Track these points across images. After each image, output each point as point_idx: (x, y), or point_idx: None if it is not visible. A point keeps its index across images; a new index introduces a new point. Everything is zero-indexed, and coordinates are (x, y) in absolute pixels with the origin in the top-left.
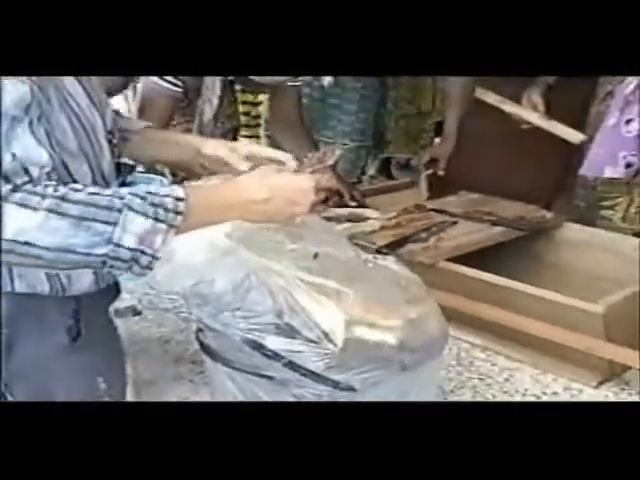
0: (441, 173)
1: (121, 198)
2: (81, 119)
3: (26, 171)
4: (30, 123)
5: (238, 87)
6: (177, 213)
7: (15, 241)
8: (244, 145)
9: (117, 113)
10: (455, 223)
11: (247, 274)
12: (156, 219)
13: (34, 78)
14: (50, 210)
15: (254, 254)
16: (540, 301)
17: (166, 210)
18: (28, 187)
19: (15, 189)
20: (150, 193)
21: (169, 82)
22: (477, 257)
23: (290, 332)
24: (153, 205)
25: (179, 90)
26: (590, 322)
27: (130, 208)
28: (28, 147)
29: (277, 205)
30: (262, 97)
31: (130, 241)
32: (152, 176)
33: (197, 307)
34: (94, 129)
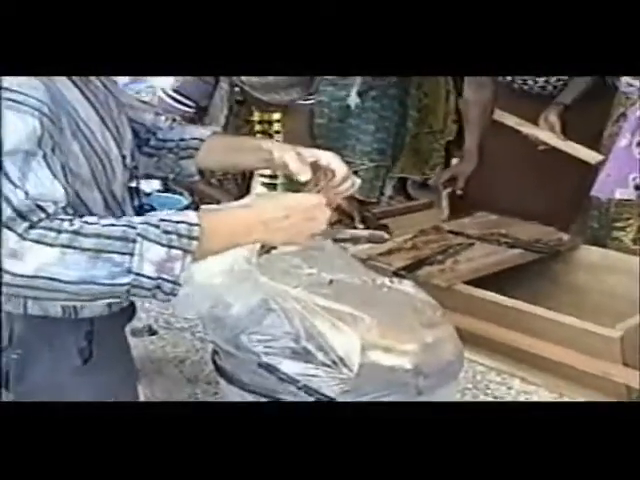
0: (459, 192)
1: (134, 228)
2: (93, 145)
3: (41, 208)
4: (44, 156)
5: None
6: (191, 238)
7: (36, 277)
8: (310, 151)
9: (181, 124)
10: (472, 245)
11: (264, 298)
12: (170, 246)
13: (45, 109)
14: (66, 245)
15: (271, 278)
16: (556, 324)
17: (180, 236)
18: (44, 223)
19: (32, 226)
20: (163, 220)
21: (181, 102)
22: (493, 279)
23: (306, 356)
24: (167, 232)
25: (191, 110)
26: (607, 346)
27: (144, 237)
28: (44, 182)
29: (296, 221)
30: (277, 115)
31: (150, 270)
32: (171, 195)
33: (213, 330)
34: (107, 155)
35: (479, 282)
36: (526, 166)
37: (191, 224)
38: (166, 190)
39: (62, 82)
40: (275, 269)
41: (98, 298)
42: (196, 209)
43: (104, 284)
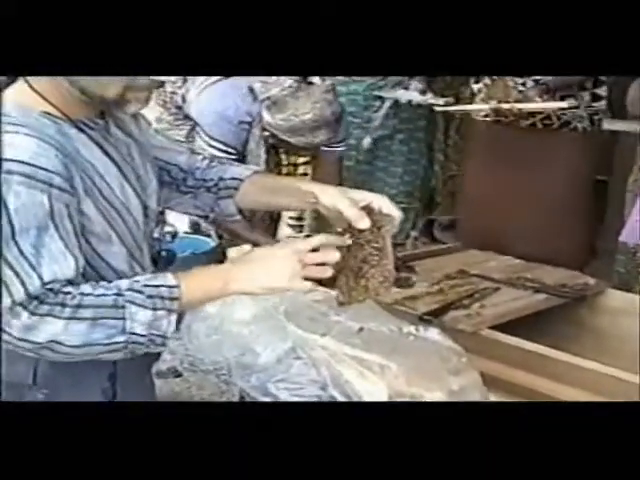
0: None
1: (123, 295)
2: (111, 201)
3: (51, 290)
4: (56, 228)
5: (281, 150)
6: (173, 299)
7: (48, 343)
8: (360, 194)
9: (221, 162)
10: (498, 289)
11: (292, 347)
12: (155, 308)
13: (55, 180)
14: (70, 317)
15: (299, 326)
16: (581, 370)
17: (162, 299)
18: (51, 299)
19: (42, 302)
20: (147, 286)
21: (223, 151)
22: (519, 324)
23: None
24: (150, 297)
25: (232, 157)
26: (632, 392)
27: (132, 303)
28: (57, 256)
29: (262, 270)
30: (303, 159)
31: (140, 329)
32: (198, 237)
33: (241, 377)
34: (127, 208)
35: (504, 327)
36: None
37: (171, 286)
38: (195, 231)
39: (81, 141)
40: (302, 317)
41: (101, 355)
42: (223, 251)
43: (103, 344)
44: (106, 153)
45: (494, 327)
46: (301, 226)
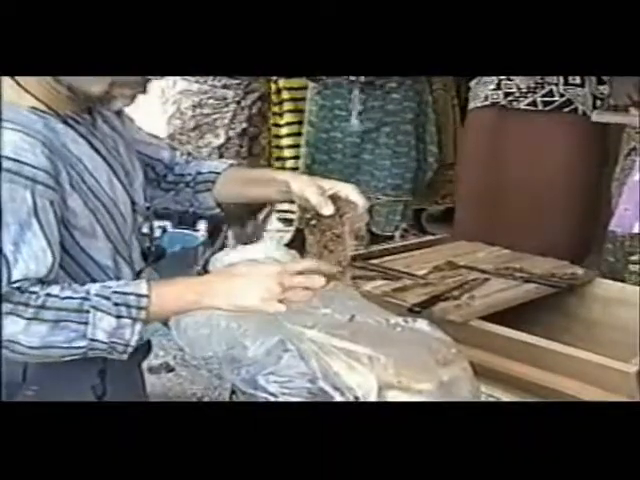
0: None
1: (89, 300)
2: (99, 196)
3: (19, 289)
4: (40, 224)
5: None
6: (140, 309)
7: (9, 341)
8: (328, 182)
9: (197, 158)
10: (487, 280)
11: (281, 339)
12: (120, 316)
13: (40, 176)
14: (32, 318)
15: (287, 319)
16: (572, 359)
17: (129, 307)
18: (16, 298)
19: (7, 300)
20: (116, 292)
21: None
22: (508, 314)
23: (322, 397)
24: (116, 305)
25: None
26: (623, 381)
27: (97, 309)
28: (37, 253)
29: (238, 287)
30: None
31: (102, 336)
32: (186, 232)
33: (231, 371)
34: (115, 203)
35: (494, 317)
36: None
37: (139, 295)
38: (182, 225)
39: (69, 136)
40: (291, 310)
41: (60, 358)
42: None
43: (62, 347)
44: (94, 148)
45: (484, 317)
46: (290, 220)
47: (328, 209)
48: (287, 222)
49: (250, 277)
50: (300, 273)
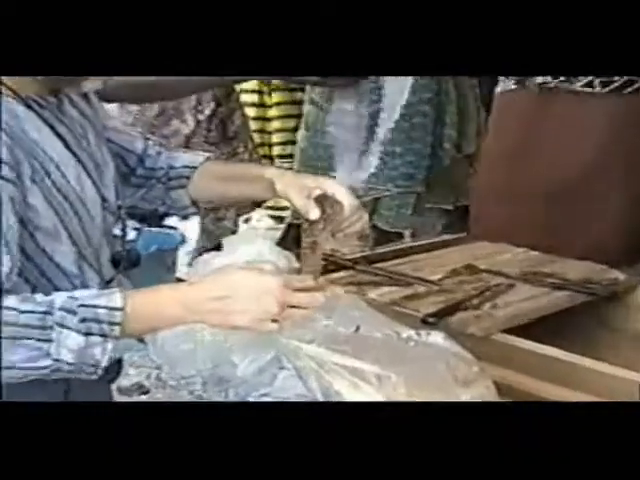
0: None
1: (52, 314)
2: (64, 191)
3: None
4: None
5: None
6: (113, 324)
7: None
8: (315, 180)
9: (169, 149)
10: (512, 287)
11: (275, 356)
12: (89, 334)
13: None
14: None
15: (284, 332)
16: (612, 379)
17: (99, 322)
18: None
19: None
20: (83, 305)
21: None
22: (537, 326)
23: None
24: (84, 320)
25: None
26: None
27: (62, 325)
28: None
29: (234, 304)
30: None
31: (68, 356)
32: (163, 231)
33: (217, 393)
34: (82, 201)
35: (521, 330)
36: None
37: (112, 308)
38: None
39: (31, 122)
40: (287, 322)
41: (23, 379)
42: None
43: (24, 368)
44: (59, 136)
45: (508, 330)
46: (281, 217)
47: (314, 214)
48: (279, 220)
49: (247, 291)
50: (300, 289)
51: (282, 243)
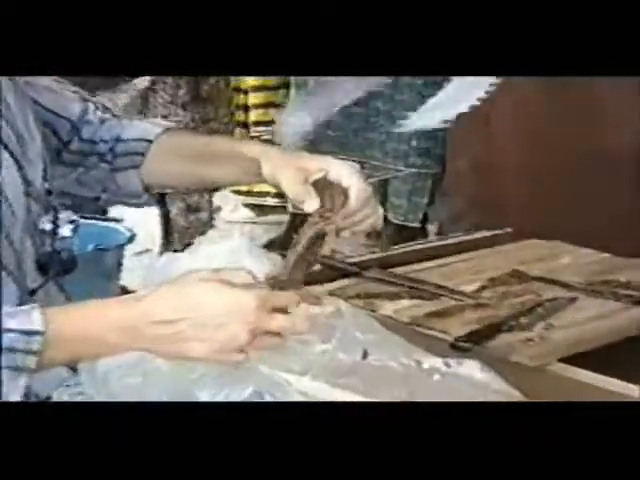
0: None
1: None
2: None
3: None
4: None
5: None
6: (29, 354)
7: None
8: (314, 160)
9: (117, 116)
10: (573, 300)
11: (255, 391)
12: None
13: None
14: None
15: (265, 361)
16: None
17: (12, 351)
18: None
19: None
20: None
21: None
22: (607, 354)
23: None
24: None
25: None
26: None
27: None
28: None
29: (190, 329)
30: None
31: None
32: (105, 225)
33: None
34: None
35: (585, 359)
36: None
37: (29, 332)
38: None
39: None
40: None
41: None
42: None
43: None
44: None
45: (568, 359)
46: (261, 206)
47: (311, 204)
48: (260, 209)
49: (208, 311)
50: (280, 309)
51: (284, 241)
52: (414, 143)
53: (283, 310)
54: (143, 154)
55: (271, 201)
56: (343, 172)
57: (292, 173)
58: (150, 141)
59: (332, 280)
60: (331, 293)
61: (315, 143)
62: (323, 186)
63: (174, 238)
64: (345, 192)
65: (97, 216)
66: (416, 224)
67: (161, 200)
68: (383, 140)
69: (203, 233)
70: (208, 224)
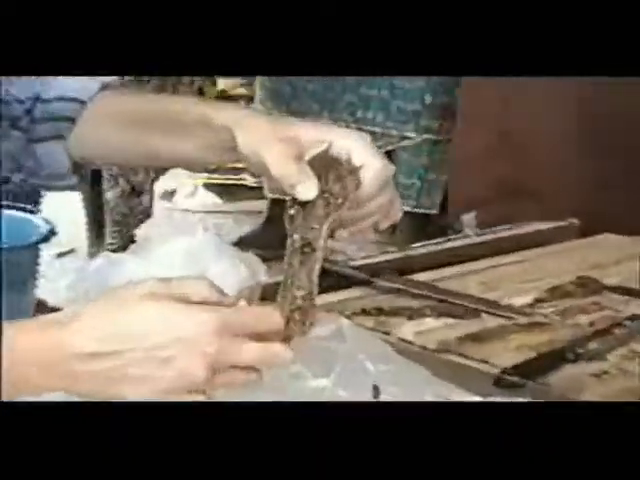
0: None
1: None
2: None
3: None
4: None
5: None
6: None
7: None
8: (309, 129)
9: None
10: None
11: None
12: None
13: None
14: None
15: (243, 396)
16: None
17: None
18: None
19: None
20: None
21: None
22: None
23: None
24: None
25: None
26: None
27: None
28: None
29: (128, 364)
30: None
31: None
32: (22, 216)
33: None
34: None
35: None
36: None
37: None
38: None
39: None
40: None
41: None
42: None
43: None
44: None
45: None
46: (232, 186)
47: (308, 188)
48: (229, 192)
49: (153, 340)
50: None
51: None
52: (427, 99)
53: (261, 334)
54: (72, 119)
55: (250, 180)
56: (352, 145)
57: (280, 147)
58: (82, 102)
59: (331, 290)
60: (330, 308)
61: (289, 102)
62: (323, 165)
63: (107, 232)
64: (356, 172)
65: (3, 203)
66: (434, 210)
67: (95, 179)
68: (387, 101)
69: (140, 223)
70: (146, 211)
